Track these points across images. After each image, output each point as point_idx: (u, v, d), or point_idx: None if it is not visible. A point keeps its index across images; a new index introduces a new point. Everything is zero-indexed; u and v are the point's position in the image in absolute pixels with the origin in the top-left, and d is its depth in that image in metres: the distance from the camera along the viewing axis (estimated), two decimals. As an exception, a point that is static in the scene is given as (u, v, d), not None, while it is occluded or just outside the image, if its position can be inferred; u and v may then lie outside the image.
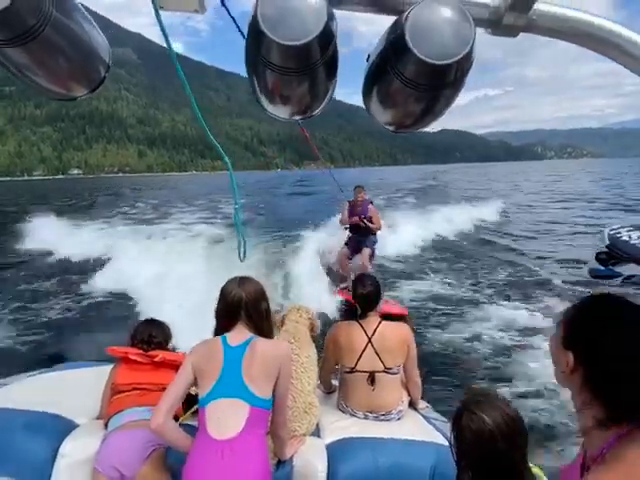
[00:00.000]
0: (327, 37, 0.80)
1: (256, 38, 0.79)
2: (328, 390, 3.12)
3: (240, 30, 0.85)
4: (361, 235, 7.88)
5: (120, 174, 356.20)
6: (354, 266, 7.88)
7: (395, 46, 0.81)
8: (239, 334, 1.99)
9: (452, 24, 0.77)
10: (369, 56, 0.94)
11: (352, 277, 7.42)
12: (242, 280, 2.08)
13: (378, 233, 8.05)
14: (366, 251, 7.82)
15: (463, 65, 0.81)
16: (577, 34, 0.86)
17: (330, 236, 11.07)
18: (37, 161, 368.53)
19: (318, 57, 0.82)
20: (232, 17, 0.99)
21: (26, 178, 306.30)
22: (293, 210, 23.16)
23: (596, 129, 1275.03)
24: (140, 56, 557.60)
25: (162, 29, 0.92)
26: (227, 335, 2.00)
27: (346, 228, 8.11)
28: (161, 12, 0.90)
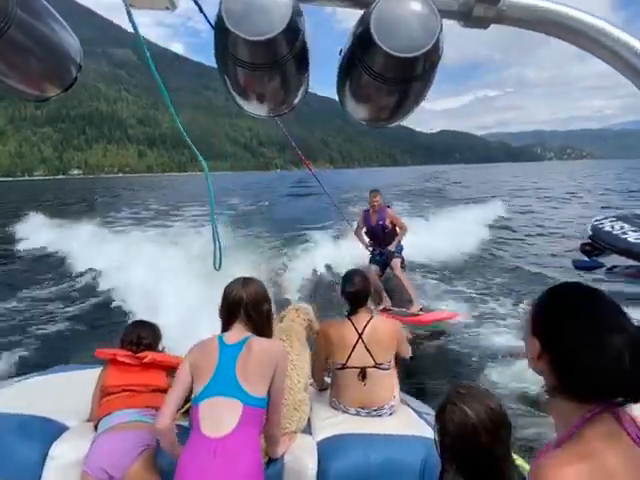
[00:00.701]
0: (294, 31, 0.81)
1: (223, 35, 0.80)
2: (321, 387, 3.13)
3: (213, 26, 0.86)
4: (384, 245, 7.15)
5: (120, 174, 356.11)
6: (389, 281, 7.31)
7: (362, 40, 0.81)
8: (237, 333, 2.01)
9: (417, 16, 0.77)
10: (341, 50, 0.94)
11: (409, 294, 7.00)
12: (245, 281, 2.11)
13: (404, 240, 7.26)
14: (396, 262, 7.06)
15: (431, 57, 0.80)
16: (547, 24, 0.87)
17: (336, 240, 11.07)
18: (38, 161, 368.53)
19: (286, 52, 0.82)
20: (204, 13, 1.00)
21: (27, 178, 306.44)
22: (292, 211, 23.21)
23: (596, 130, 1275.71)
24: (140, 57, 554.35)
25: (134, 26, 0.93)
26: (225, 334, 2.02)
27: (368, 246, 7.33)
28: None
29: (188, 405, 2.04)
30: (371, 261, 7.35)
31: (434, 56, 0.81)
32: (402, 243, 7.24)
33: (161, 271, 8.31)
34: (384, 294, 7.24)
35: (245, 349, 1.94)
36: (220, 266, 1.68)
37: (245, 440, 1.84)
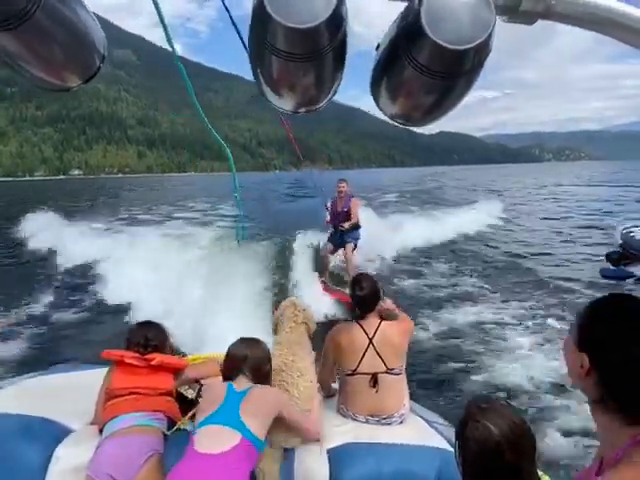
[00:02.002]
0: (337, 21, 0.77)
1: (261, 22, 0.75)
2: (327, 394, 3.04)
3: (229, 13, 0.81)
4: (343, 231, 8.25)
5: (120, 175, 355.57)
6: (339, 259, 8.60)
7: (409, 31, 0.77)
8: (241, 384, 2.15)
9: (471, 7, 0.74)
10: (379, 45, 0.90)
11: (348, 277, 7.70)
12: (249, 342, 2.28)
13: (362, 232, 8.43)
14: (349, 246, 8.28)
15: (481, 52, 0.77)
16: (598, 22, 0.80)
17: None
18: (38, 162, 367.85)
19: (326, 43, 0.78)
20: (227, 8, 0.95)
21: (27, 178, 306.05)
22: (291, 211, 23.21)
23: (595, 131, 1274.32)
24: (139, 57, 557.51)
25: (170, 42, 0.89)
26: (232, 383, 2.17)
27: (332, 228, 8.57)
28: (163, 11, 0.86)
29: (194, 410, 2.10)
30: (329, 239, 8.68)
31: (484, 51, 0.78)
32: (360, 233, 8.37)
33: (164, 270, 8.28)
34: (327, 269, 8.72)
35: (249, 393, 2.09)
36: (243, 240, 1.76)
37: (234, 465, 1.85)
